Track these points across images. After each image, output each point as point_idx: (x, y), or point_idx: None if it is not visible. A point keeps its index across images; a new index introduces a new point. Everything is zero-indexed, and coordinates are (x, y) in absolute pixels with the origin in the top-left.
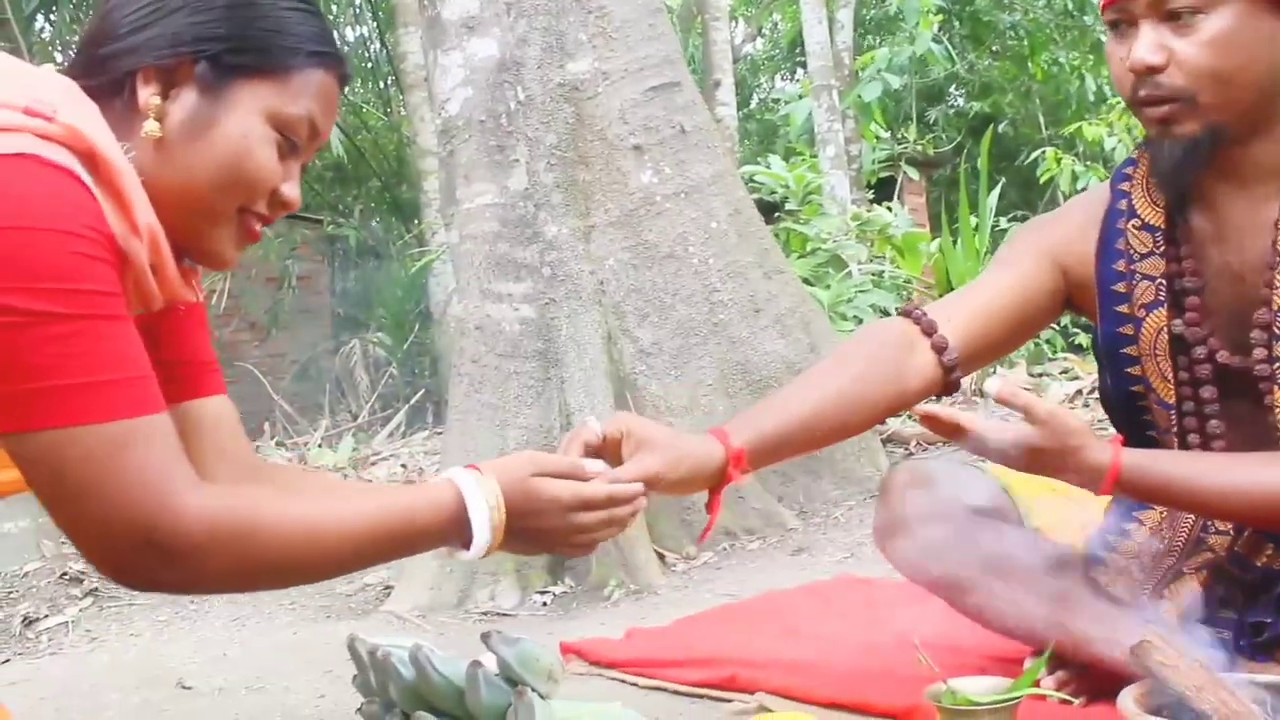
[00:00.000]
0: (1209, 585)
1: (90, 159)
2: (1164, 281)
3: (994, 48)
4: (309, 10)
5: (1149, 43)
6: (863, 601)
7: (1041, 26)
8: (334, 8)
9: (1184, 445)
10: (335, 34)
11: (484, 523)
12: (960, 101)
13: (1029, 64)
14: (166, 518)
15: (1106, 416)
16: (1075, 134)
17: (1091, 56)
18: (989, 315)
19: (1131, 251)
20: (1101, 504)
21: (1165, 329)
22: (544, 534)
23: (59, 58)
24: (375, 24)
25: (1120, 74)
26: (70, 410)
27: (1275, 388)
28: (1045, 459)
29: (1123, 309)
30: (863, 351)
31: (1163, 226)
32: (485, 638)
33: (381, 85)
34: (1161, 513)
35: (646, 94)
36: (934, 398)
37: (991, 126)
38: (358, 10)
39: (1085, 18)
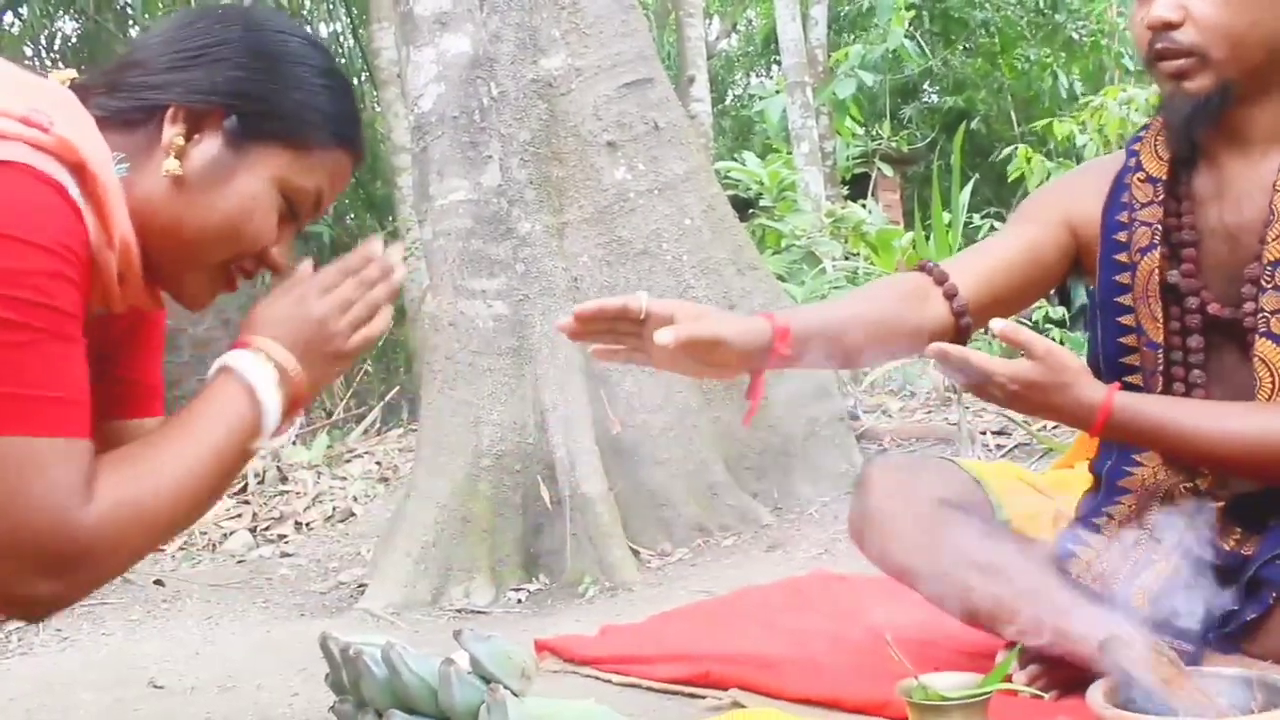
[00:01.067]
0: (1178, 573)
1: (79, 171)
2: (1159, 228)
3: (966, 44)
4: (343, 91)
5: (1169, 1)
6: (837, 597)
7: (1012, 23)
8: (307, 2)
9: (1168, 391)
10: (310, 28)
11: (258, 363)
12: (934, 98)
13: (1000, 61)
14: (64, 539)
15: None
16: (1046, 131)
17: (1063, 54)
18: (998, 270)
19: (1134, 202)
20: (1074, 497)
21: (1157, 271)
22: (309, 339)
23: (28, 50)
24: (349, 19)
25: (1139, 35)
26: None
27: (1258, 337)
28: (1040, 394)
29: (1121, 257)
30: (885, 293)
31: (1164, 178)
32: (458, 635)
33: (356, 81)
34: (1130, 505)
35: (620, 90)
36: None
37: (964, 124)
38: (331, 5)
39: (1057, 15)
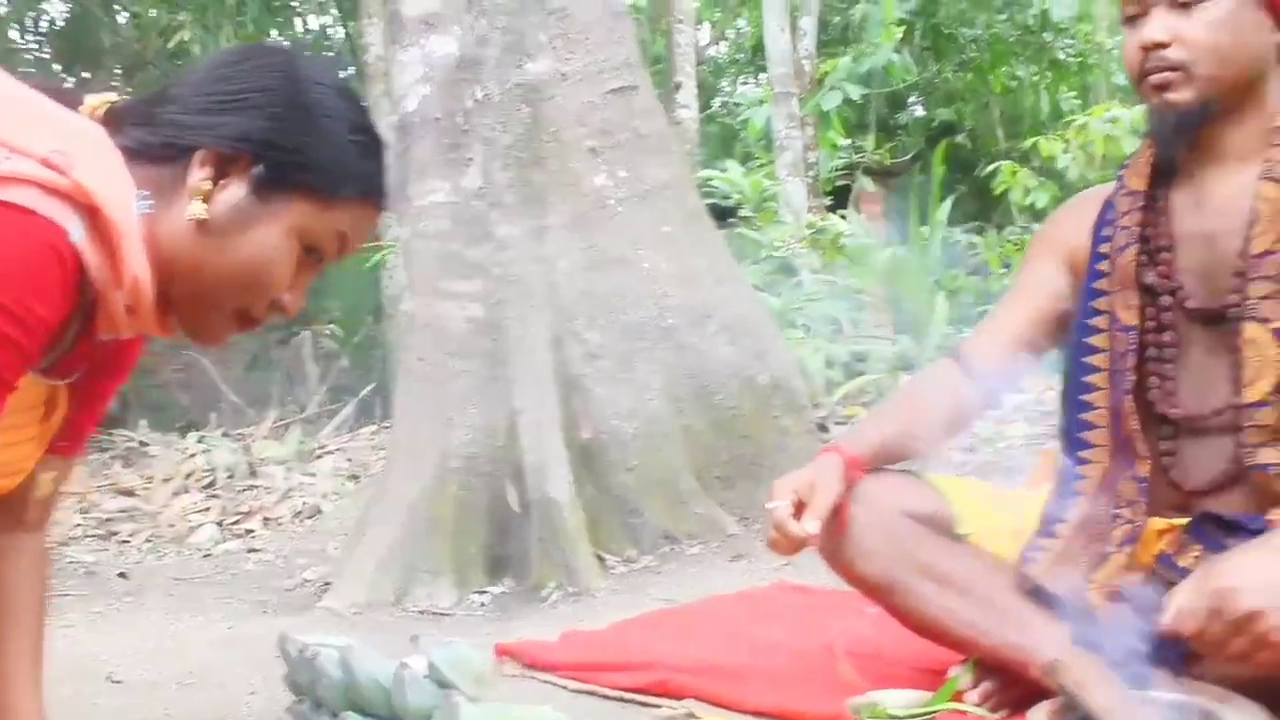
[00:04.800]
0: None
1: (92, 214)
2: (1137, 229)
3: (956, 59)
4: (374, 147)
5: (1159, 24)
6: (799, 609)
7: (1002, 40)
8: None
9: (1138, 374)
10: (300, 20)
11: None
12: (922, 110)
13: (989, 77)
14: None
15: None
16: (1031, 148)
17: (1050, 73)
18: (1014, 339)
19: (1116, 216)
20: (1034, 513)
21: (1133, 265)
22: None
23: (14, 34)
24: (339, 13)
25: (1131, 56)
26: None
27: (1245, 323)
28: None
29: (1103, 266)
30: (928, 396)
31: (1144, 190)
32: (415, 639)
33: (340, 76)
34: (1084, 508)
35: (605, 97)
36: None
37: (944, 141)
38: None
39: (1045, 34)
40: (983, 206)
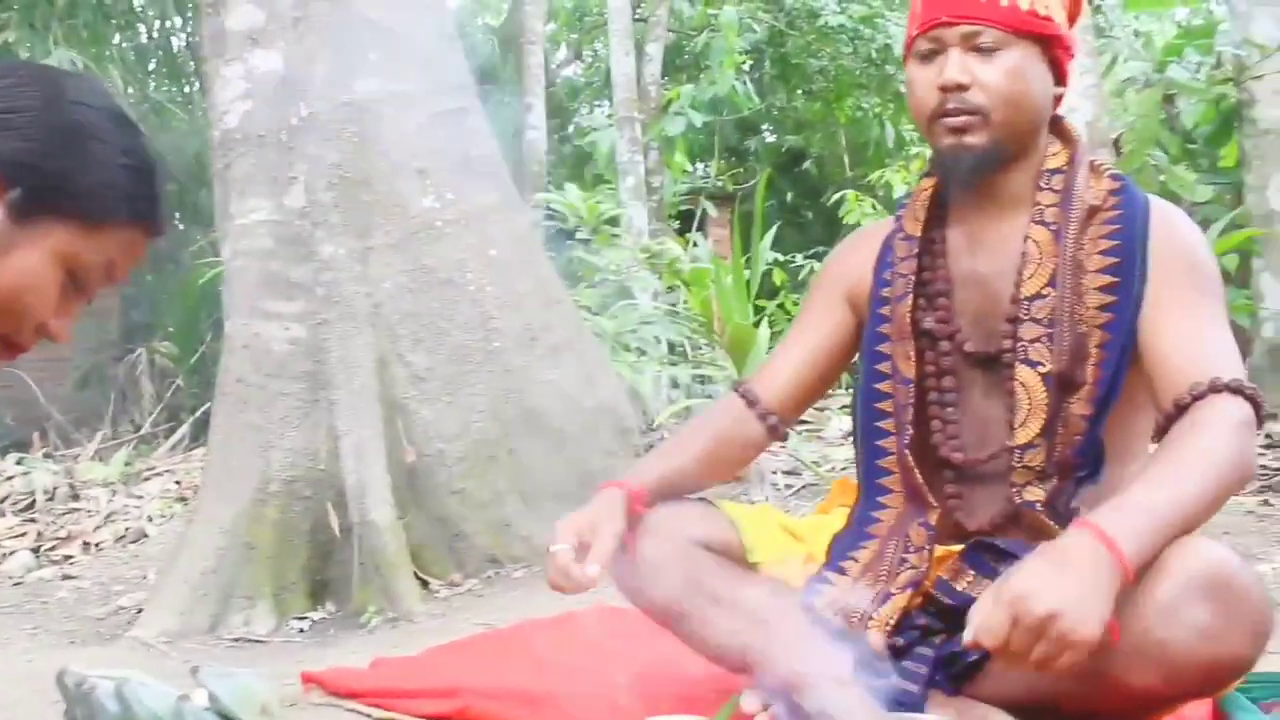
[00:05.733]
0: (916, 612)
1: None
2: (913, 277)
3: (805, 89)
4: (144, 169)
5: (960, 66)
6: (612, 632)
7: (847, 72)
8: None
9: (921, 420)
10: (143, 26)
11: None
12: (773, 137)
13: (834, 107)
14: None
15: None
16: (877, 179)
17: (892, 105)
18: (799, 374)
19: (895, 259)
20: (824, 541)
21: (909, 314)
22: None
23: None
24: (181, 21)
25: (925, 94)
26: None
27: (1018, 365)
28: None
29: (884, 310)
30: (710, 430)
31: (919, 235)
32: (195, 670)
33: (187, 87)
34: (874, 549)
35: (433, 118)
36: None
37: (768, 171)
38: (164, 6)
39: (888, 67)
40: (830, 232)
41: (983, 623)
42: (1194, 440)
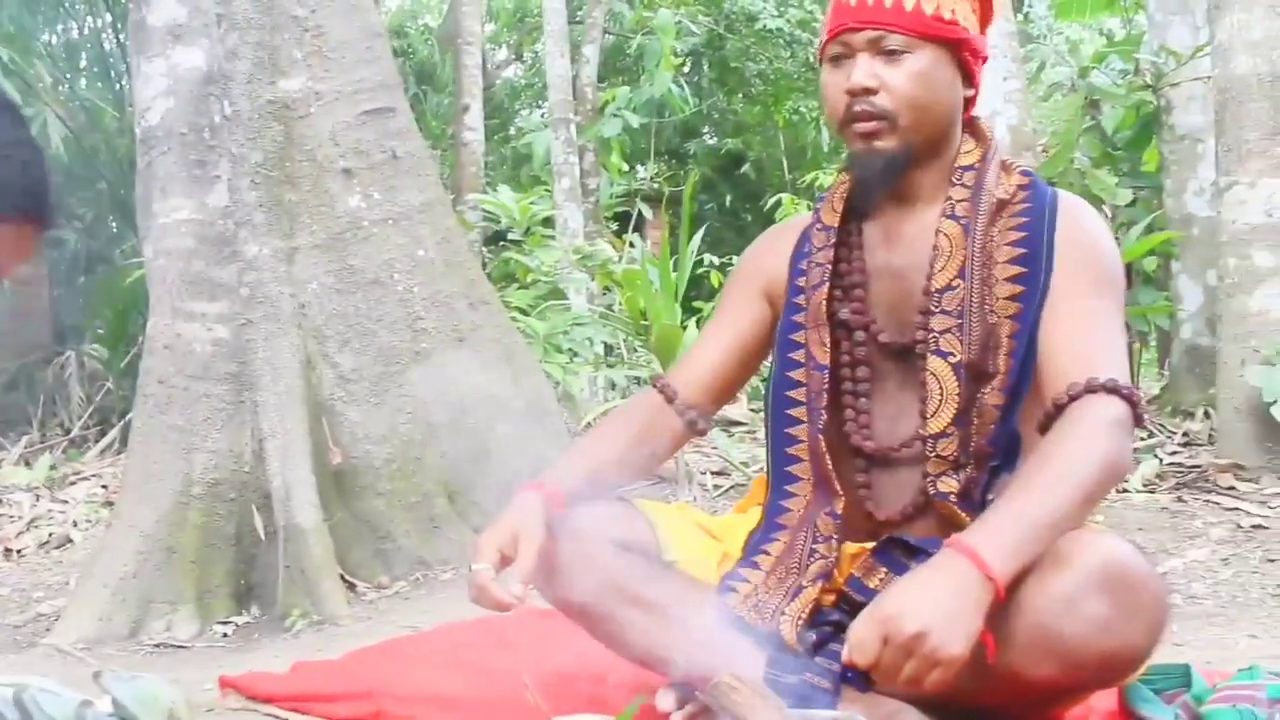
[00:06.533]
0: (829, 608)
1: None
2: (829, 267)
3: (742, 92)
4: (28, 161)
5: (867, 70)
6: (535, 635)
7: (785, 76)
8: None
9: (835, 409)
10: (73, 23)
11: None
12: (713, 140)
13: (772, 111)
14: None
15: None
16: (812, 181)
17: None
18: (716, 368)
19: (811, 249)
20: (740, 539)
21: (825, 303)
22: None
23: None
24: (111, 18)
25: (835, 98)
26: None
27: (929, 356)
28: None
29: (799, 300)
30: (628, 426)
31: (835, 226)
32: (97, 676)
33: (117, 85)
34: (785, 541)
35: (360, 117)
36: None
37: (697, 174)
38: (94, 3)
39: None
40: None
41: (856, 641)
42: (1065, 444)
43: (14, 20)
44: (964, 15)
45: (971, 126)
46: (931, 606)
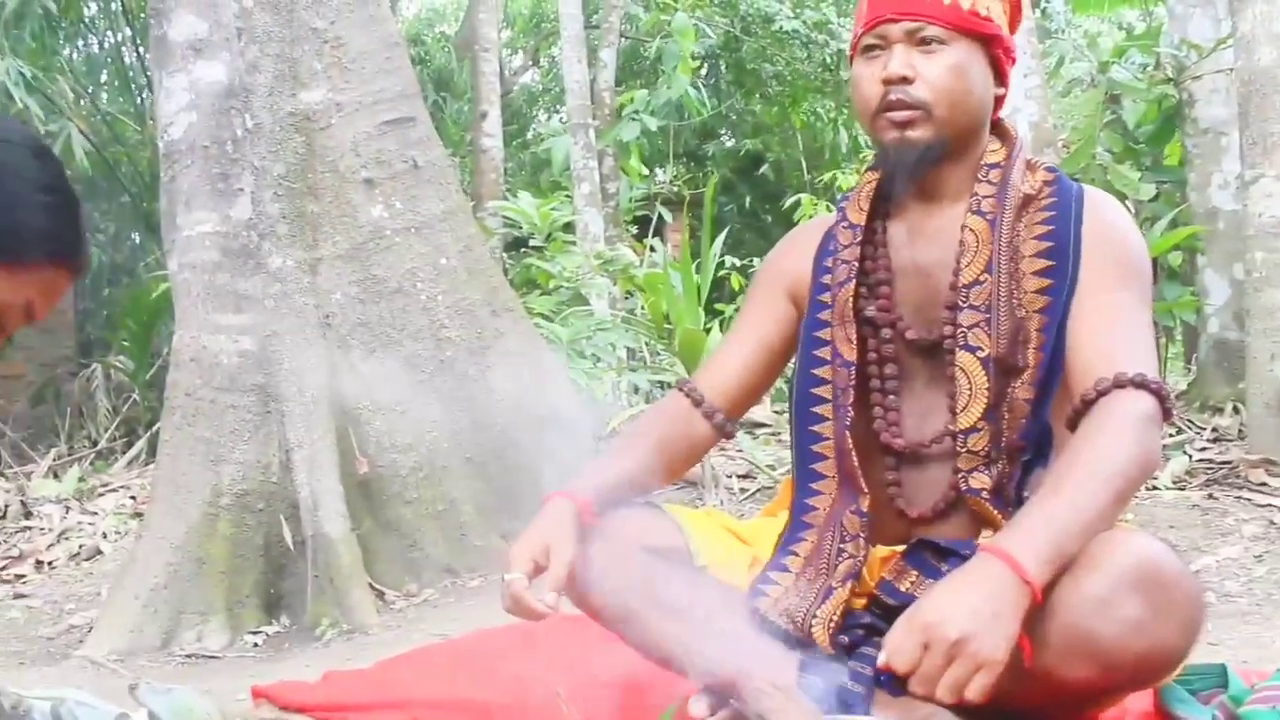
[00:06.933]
0: (861, 611)
1: None
2: (856, 264)
3: (761, 93)
4: (63, 207)
5: (904, 60)
6: (566, 642)
7: (802, 77)
8: (88, 10)
9: (862, 406)
10: (94, 38)
11: None
12: (731, 142)
13: (790, 112)
14: None
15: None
16: (830, 181)
17: (846, 110)
18: (742, 371)
19: (837, 247)
20: (769, 543)
21: (852, 300)
22: None
23: None
24: (131, 33)
25: (869, 88)
26: None
27: (958, 351)
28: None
29: (824, 297)
30: (655, 431)
31: (862, 224)
32: (134, 688)
33: (139, 99)
34: (813, 541)
35: (380, 128)
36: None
37: (715, 179)
38: (114, 18)
39: (842, 73)
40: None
41: (895, 647)
42: (1095, 441)
43: (36, 37)
44: (998, 14)
45: (998, 127)
46: (970, 612)
